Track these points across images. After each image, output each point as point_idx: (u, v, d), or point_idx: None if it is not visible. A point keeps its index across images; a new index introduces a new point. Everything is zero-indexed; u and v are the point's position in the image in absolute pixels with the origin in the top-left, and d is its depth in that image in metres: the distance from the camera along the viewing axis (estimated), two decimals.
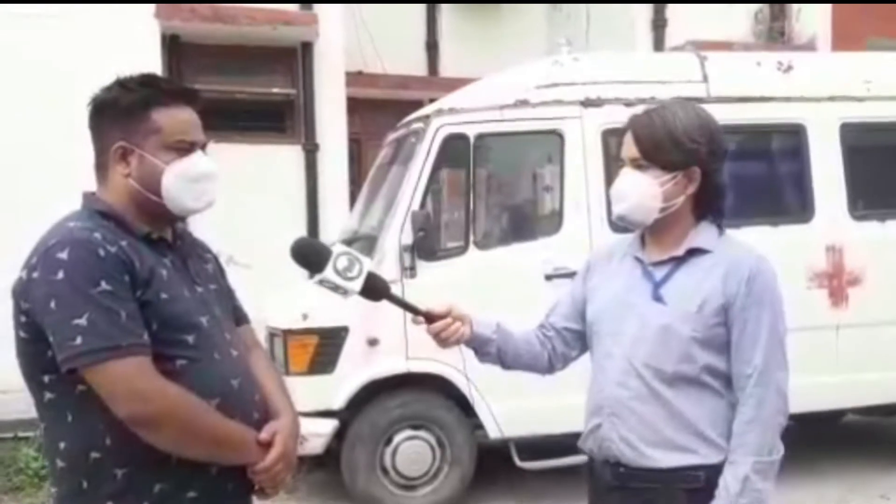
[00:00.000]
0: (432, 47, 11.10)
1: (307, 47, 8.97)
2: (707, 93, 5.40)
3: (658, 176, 2.06)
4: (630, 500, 2.11)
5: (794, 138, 5.52)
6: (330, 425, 4.99)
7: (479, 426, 5.18)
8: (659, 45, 10.20)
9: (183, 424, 1.76)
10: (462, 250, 5.15)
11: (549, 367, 2.36)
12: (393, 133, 6.06)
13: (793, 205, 5.63)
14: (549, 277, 5.05)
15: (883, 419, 6.57)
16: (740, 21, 10.31)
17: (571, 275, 4.99)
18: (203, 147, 1.93)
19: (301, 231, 8.79)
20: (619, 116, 5.22)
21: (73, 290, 1.70)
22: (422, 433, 5.13)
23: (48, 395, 1.79)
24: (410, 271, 4.94)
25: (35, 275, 1.74)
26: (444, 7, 11.00)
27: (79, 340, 1.68)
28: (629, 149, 2.10)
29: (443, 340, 2.19)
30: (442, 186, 5.68)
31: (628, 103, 5.20)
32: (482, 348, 2.27)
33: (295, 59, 9.06)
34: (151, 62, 7.55)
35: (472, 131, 5.14)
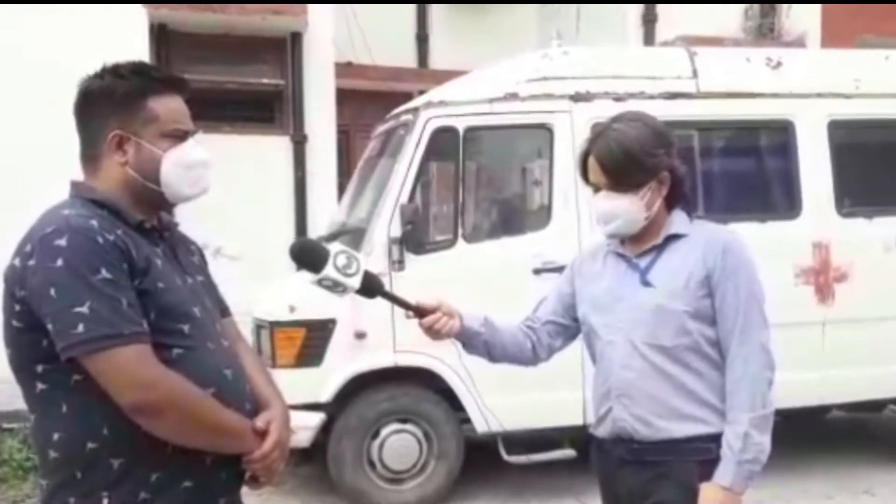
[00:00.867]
0: (422, 39, 11.07)
1: (296, 38, 8.93)
2: (696, 88, 5.41)
3: (635, 192, 2.21)
4: (643, 473, 2.21)
5: (782, 135, 5.53)
6: (317, 418, 4.98)
7: (467, 420, 5.18)
8: (649, 40, 10.20)
9: (185, 412, 1.76)
10: (451, 243, 5.14)
11: (534, 358, 2.45)
12: (382, 125, 6.03)
13: (780, 201, 5.64)
14: (537, 271, 5.05)
15: (868, 415, 6.62)
16: (730, 17, 10.31)
17: (559, 269, 4.99)
18: (193, 135, 1.95)
19: (289, 223, 8.78)
20: (608, 111, 5.23)
21: (73, 277, 1.68)
22: (409, 427, 5.12)
23: (40, 386, 1.77)
24: (398, 264, 4.93)
25: (31, 262, 1.71)
26: None
27: (81, 328, 1.67)
28: (598, 176, 2.23)
29: (434, 333, 2.27)
30: (431, 179, 5.67)
31: (618, 98, 5.22)
32: (471, 341, 2.36)
33: (284, 50, 9.02)
34: (139, 51, 7.49)
35: (461, 124, 5.13)
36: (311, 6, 8.76)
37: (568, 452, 5.18)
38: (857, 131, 5.71)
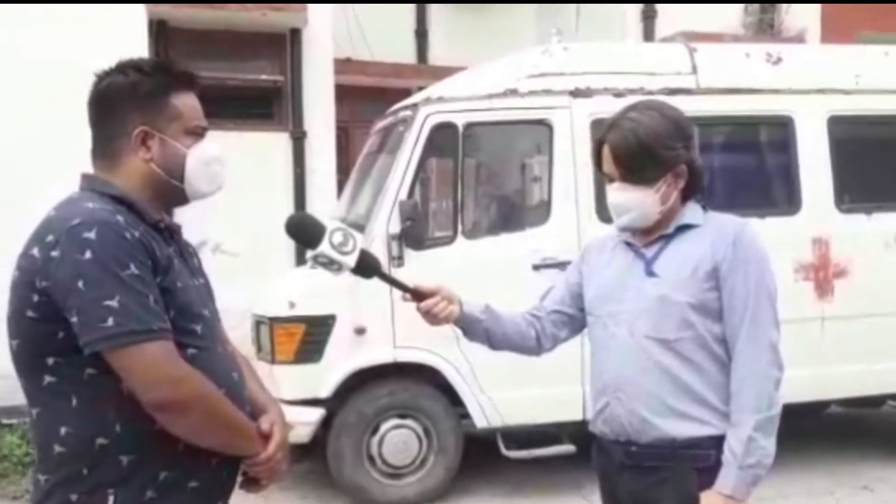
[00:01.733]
0: (422, 36, 11.07)
1: (296, 34, 8.93)
2: (696, 84, 5.40)
3: (649, 185, 2.11)
4: (642, 479, 2.13)
5: (782, 130, 5.53)
6: (316, 414, 4.98)
7: (466, 415, 5.18)
8: (649, 36, 10.20)
9: (208, 411, 1.76)
10: (450, 240, 5.14)
11: (538, 347, 2.38)
12: (381, 121, 6.03)
13: (780, 197, 5.64)
14: (536, 268, 5.05)
15: (867, 411, 6.63)
16: (730, 13, 10.32)
17: (559, 265, 5.05)
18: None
19: None
20: (608, 107, 5.22)
21: (102, 271, 1.67)
22: (408, 422, 5.12)
23: (48, 379, 1.74)
24: (398, 260, 4.92)
25: (55, 253, 1.69)
26: None
27: (110, 322, 1.66)
28: (611, 167, 2.15)
29: (432, 318, 2.22)
30: (430, 175, 5.67)
31: (618, 94, 5.21)
32: (471, 328, 2.31)
33: (283, 46, 9.01)
34: (138, 47, 7.48)
35: (460, 120, 5.12)
36: (310, 2, 8.75)
37: (568, 447, 5.18)
38: (857, 127, 5.70)
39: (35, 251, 1.72)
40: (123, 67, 1.89)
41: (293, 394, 4.83)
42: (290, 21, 8.79)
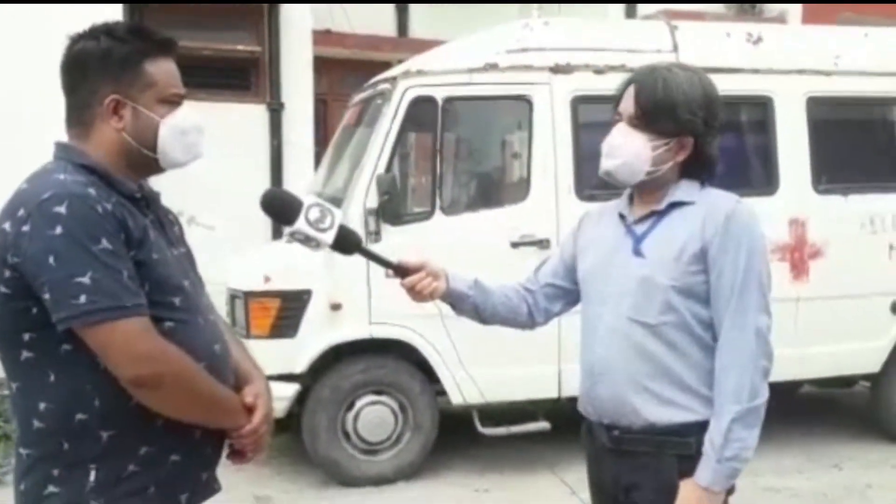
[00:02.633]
0: (402, 8, 10.94)
1: (274, 4, 8.79)
2: (677, 62, 5.38)
3: (651, 139, 2.05)
4: (623, 464, 2.11)
5: (760, 110, 5.53)
6: (291, 389, 4.95)
7: (442, 392, 5.18)
8: (631, 13, 10.16)
9: (185, 386, 1.74)
10: (428, 215, 5.11)
11: (530, 321, 2.34)
12: (359, 94, 5.97)
13: (757, 177, 5.66)
14: (515, 245, 5.04)
15: (839, 391, 6.70)
16: None
17: (537, 242, 5.05)
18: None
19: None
20: (588, 84, 5.24)
21: (74, 246, 1.64)
22: (384, 398, 5.12)
23: (26, 354, 1.72)
24: (375, 235, 4.87)
25: (25, 228, 1.66)
26: None
27: (83, 299, 1.63)
28: (628, 105, 2.09)
29: (416, 295, 2.17)
30: (408, 150, 5.63)
31: (598, 70, 5.19)
32: (458, 304, 2.26)
33: (261, 16, 8.87)
34: (112, 15, 7.33)
35: (440, 94, 5.08)
36: None
37: (543, 425, 5.20)
38: (836, 108, 5.72)
39: (7, 226, 1.69)
40: (96, 32, 1.84)
41: (268, 369, 4.71)
42: None
